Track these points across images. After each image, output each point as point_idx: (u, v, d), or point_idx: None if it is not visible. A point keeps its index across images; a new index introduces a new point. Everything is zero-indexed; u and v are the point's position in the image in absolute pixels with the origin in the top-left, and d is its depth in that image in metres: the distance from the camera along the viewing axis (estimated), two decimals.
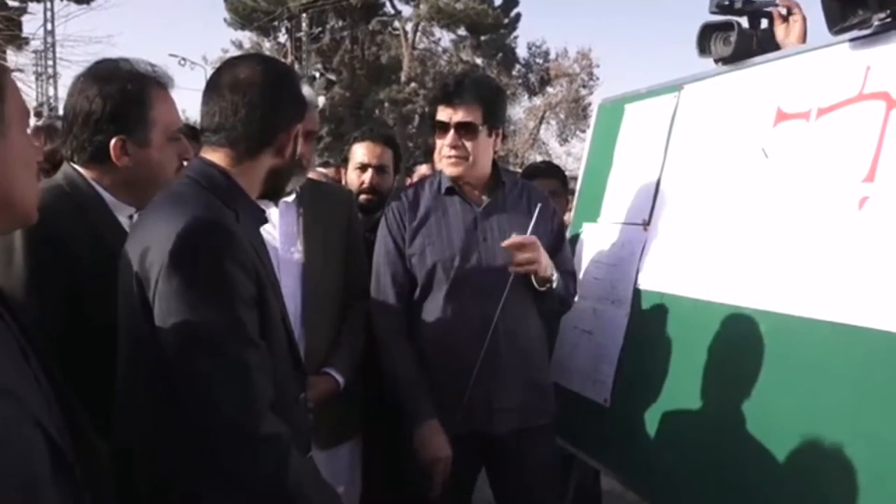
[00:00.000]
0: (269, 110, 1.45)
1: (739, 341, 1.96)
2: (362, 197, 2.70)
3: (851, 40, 1.84)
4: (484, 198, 2.29)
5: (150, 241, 1.32)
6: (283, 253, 2.16)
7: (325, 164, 4.60)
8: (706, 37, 2.39)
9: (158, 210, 1.41)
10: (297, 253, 2.20)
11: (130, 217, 1.76)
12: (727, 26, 2.29)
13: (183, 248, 1.28)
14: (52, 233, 1.56)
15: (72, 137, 1.70)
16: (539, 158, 23.61)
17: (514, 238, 2.11)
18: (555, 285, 2.21)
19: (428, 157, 3.92)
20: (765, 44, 2.27)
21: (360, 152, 2.76)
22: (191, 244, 1.29)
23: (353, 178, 2.76)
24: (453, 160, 2.21)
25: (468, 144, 2.19)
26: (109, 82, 1.68)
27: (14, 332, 1.00)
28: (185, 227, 1.29)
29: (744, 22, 2.31)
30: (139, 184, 1.72)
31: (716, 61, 2.37)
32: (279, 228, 2.18)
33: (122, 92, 1.67)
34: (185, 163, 1.80)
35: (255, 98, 1.44)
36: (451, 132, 2.19)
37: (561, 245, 2.37)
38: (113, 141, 1.67)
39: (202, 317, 1.27)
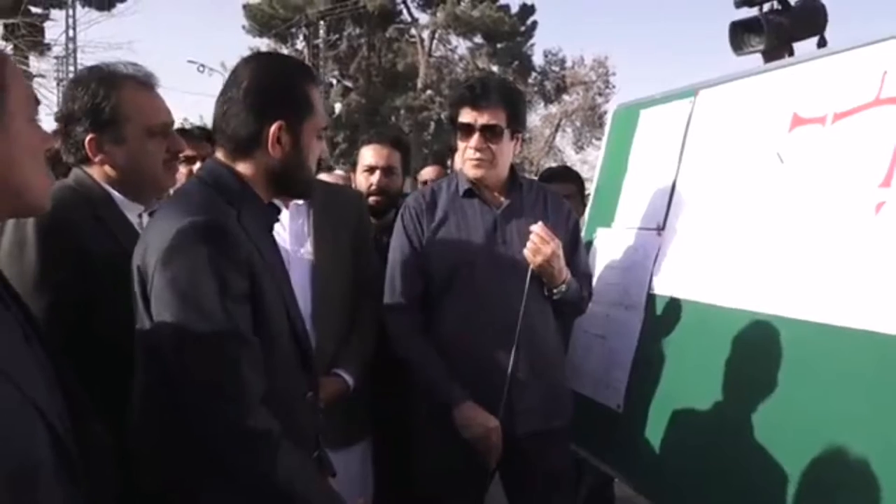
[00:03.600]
0: (250, 107, 1.45)
1: (753, 347, 1.95)
2: (371, 199, 2.69)
3: (868, 45, 1.83)
4: (503, 200, 2.29)
5: (151, 240, 1.36)
6: (292, 253, 2.17)
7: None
8: (738, 34, 2.38)
9: (163, 209, 1.46)
10: (306, 254, 2.21)
11: (140, 216, 1.79)
12: (754, 22, 2.29)
13: (175, 244, 1.31)
14: (62, 226, 1.62)
15: (64, 140, 1.76)
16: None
17: (543, 228, 2.11)
18: (565, 289, 2.21)
19: (436, 160, 3.91)
20: (803, 19, 2.26)
21: (368, 155, 2.77)
22: (182, 240, 1.31)
23: (362, 181, 2.77)
24: (477, 162, 2.21)
25: (493, 147, 2.20)
26: (81, 85, 1.73)
27: (17, 317, 1.00)
28: (180, 225, 1.32)
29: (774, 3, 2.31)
30: (127, 180, 1.76)
31: (762, 54, 2.37)
32: (289, 229, 2.20)
33: (91, 92, 1.70)
34: (176, 156, 1.82)
35: (237, 96, 1.46)
36: (477, 134, 2.19)
37: (577, 247, 2.37)
38: (86, 139, 1.71)
39: (190, 310, 1.29)
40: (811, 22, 2.42)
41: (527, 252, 2.13)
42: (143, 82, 1.76)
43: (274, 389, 1.37)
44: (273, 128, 1.45)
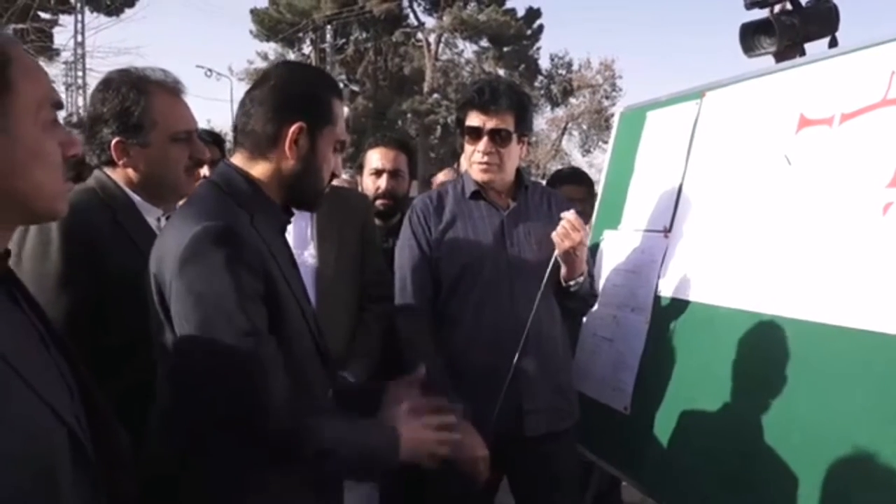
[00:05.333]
0: (273, 105, 1.46)
1: (761, 348, 1.94)
2: (379, 202, 2.70)
3: (875, 45, 1.83)
4: (509, 202, 2.30)
5: (166, 246, 1.37)
6: (295, 256, 2.18)
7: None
8: (749, 36, 2.37)
9: (177, 215, 1.46)
10: (310, 257, 2.21)
11: (158, 219, 1.81)
12: (766, 24, 2.28)
13: (191, 250, 1.31)
14: (83, 231, 1.65)
15: (89, 141, 1.78)
16: None
17: (574, 215, 2.11)
18: (582, 281, 2.21)
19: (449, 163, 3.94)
20: (816, 19, 2.25)
21: (375, 158, 2.77)
22: (198, 246, 1.32)
23: (369, 184, 2.78)
24: (485, 167, 2.22)
25: (501, 151, 2.20)
26: (112, 87, 1.75)
27: (33, 320, 0.99)
28: (195, 230, 1.32)
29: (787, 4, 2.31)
30: (148, 184, 1.78)
31: (774, 56, 2.36)
32: (292, 232, 2.20)
33: (121, 95, 1.72)
34: (198, 163, 1.85)
35: (259, 96, 1.48)
36: (485, 138, 2.20)
37: None
38: (113, 142, 1.73)
39: (209, 314, 1.30)
40: (823, 22, 2.40)
41: (555, 236, 2.13)
42: (172, 89, 1.79)
43: (296, 389, 1.37)
44: (293, 128, 1.46)
